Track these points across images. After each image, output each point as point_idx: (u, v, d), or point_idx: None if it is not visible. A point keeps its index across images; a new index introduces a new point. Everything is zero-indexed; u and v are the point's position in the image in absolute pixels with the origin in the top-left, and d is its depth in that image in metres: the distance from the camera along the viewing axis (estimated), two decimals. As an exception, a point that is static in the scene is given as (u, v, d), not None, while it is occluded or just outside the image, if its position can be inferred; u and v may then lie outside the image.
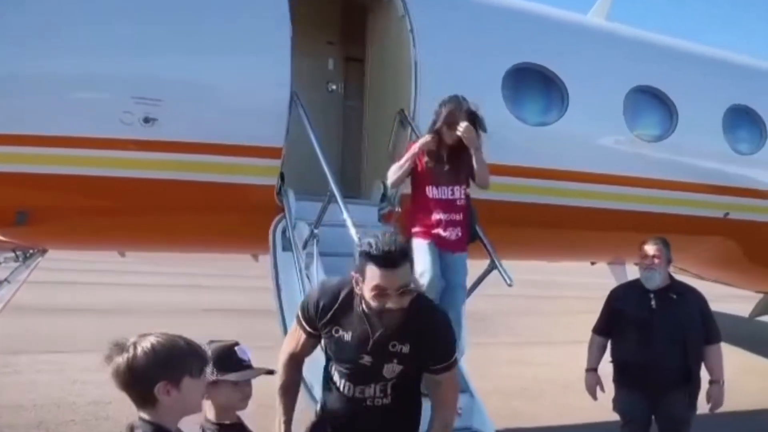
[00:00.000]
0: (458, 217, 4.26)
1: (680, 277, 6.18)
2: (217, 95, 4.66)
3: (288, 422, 2.71)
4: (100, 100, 4.27)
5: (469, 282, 4.57)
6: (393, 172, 4.44)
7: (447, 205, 4.24)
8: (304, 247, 4.36)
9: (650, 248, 4.63)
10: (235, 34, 4.74)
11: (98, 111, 4.24)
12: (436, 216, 4.21)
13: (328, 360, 2.74)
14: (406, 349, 2.55)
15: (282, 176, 4.86)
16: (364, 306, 2.52)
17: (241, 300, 12.10)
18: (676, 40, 7.61)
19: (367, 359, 2.56)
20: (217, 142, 4.59)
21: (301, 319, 2.69)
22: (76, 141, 4.19)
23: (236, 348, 2.39)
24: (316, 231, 4.30)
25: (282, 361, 2.76)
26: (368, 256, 2.42)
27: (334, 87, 6.24)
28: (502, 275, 4.32)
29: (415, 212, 4.36)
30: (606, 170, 6.18)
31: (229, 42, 4.71)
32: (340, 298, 2.59)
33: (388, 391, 2.62)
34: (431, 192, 4.26)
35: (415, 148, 4.38)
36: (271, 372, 2.56)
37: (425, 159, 4.35)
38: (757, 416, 7.38)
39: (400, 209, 5.29)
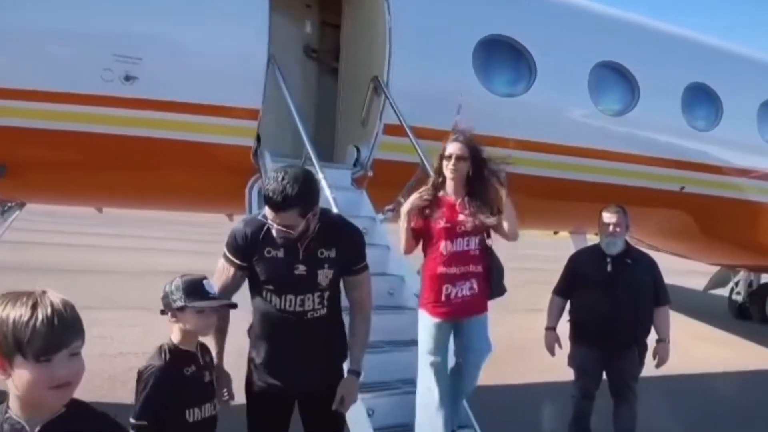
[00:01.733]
0: (474, 268, 3.72)
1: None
2: (196, 56, 4.74)
3: (220, 353, 2.93)
4: (81, 57, 4.32)
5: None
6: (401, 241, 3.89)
7: (459, 257, 3.69)
8: (281, 206, 4.50)
9: (611, 216, 4.90)
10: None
11: (79, 67, 4.30)
12: (446, 270, 3.67)
13: (261, 292, 2.89)
14: (332, 254, 2.86)
15: (258, 137, 4.98)
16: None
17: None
18: (641, 17, 7.83)
19: (302, 269, 2.82)
20: (195, 102, 4.69)
21: (229, 254, 2.88)
22: (56, 96, 4.25)
23: (204, 281, 2.69)
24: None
25: None
26: (264, 198, 2.76)
27: (314, 51, 6.30)
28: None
29: (423, 274, 3.83)
30: (570, 142, 6.43)
31: (209, 3, 4.78)
32: (266, 225, 2.84)
33: (325, 302, 2.87)
34: (443, 248, 3.69)
35: (404, 209, 3.82)
36: (233, 306, 2.82)
37: (427, 212, 3.79)
38: (707, 378, 7.84)
39: (372, 173, 5.47)
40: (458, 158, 3.69)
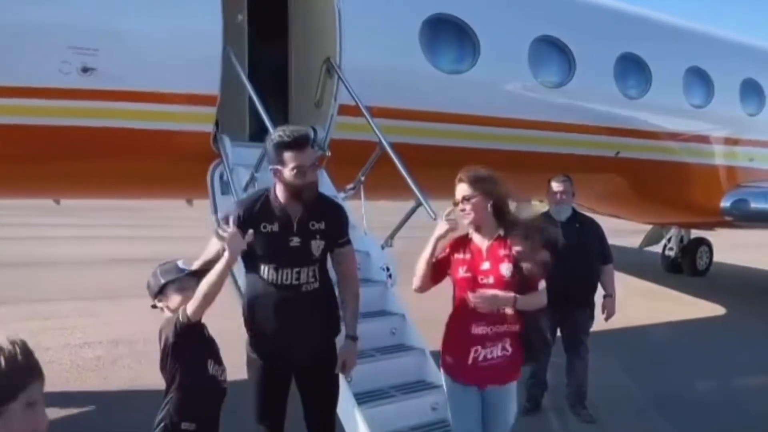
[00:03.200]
0: (509, 327, 3.19)
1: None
2: (151, 44, 4.76)
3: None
4: (38, 51, 4.30)
5: (395, 221, 5.01)
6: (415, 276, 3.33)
7: (492, 314, 3.14)
8: (245, 190, 4.63)
9: (558, 185, 5.26)
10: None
11: (37, 61, 4.29)
12: (476, 328, 3.15)
13: (258, 268, 3.04)
14: (322, 225, 3.09)
15: (217, 123, 5.06)
16: (281, 199, 3.03)
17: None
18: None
19: (296, 240, 3.03)
20: (153, 91, 4.73)
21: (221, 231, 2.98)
22: (14, 91, 4.24)
23: (177, 262, 2.97)
24: (257, 174, 4.59)
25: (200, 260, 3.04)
26: (282, 146, 2.98)
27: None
28: (427, 211, 4.74)
29: (448, 325, 3.33)
30: (513, 115, 6.74)
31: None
32: (259, 203, 3.07)
33: (317, 275, 3.08)
34: (470, 301, 3.12)
35: (436, 233, 3.23)
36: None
37: (456, 255, 3.27)
38: (645, 329, 8.42)
39: (329, 154, 5.62)
40: (465, 199, 3.22)
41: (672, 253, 13.29)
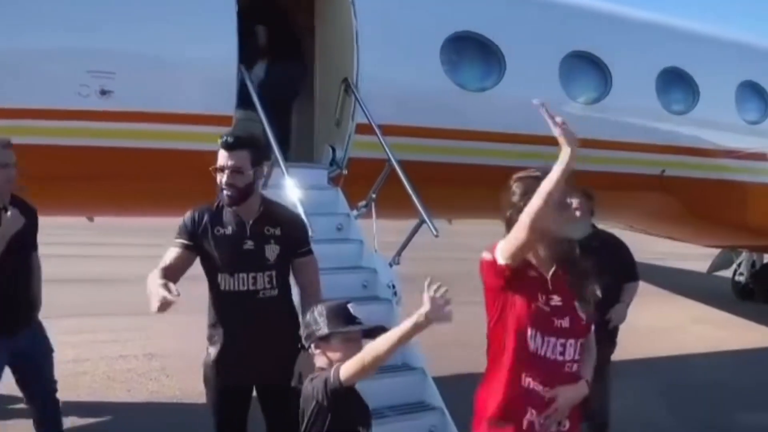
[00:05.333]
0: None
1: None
2: (168, 66, 4.98)
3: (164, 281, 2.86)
4: (58, 75, 4.57)
5: (399, 240, 4.97)
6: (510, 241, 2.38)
7: (551, 369, 2.40)
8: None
9: (573, 201, 5.06)
10: (184, 6, 5.05)
11: (57, 85, 4.56)
12: (531, 383, 2.38)
13: (214, 275, 3.05)
14: (278, 231, 3.11)
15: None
16: (225, 205, 3.09)
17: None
18: (611, 4, 7.90)
19: (249, 244, 3.06)
20: (170, 111, 4.93)
21: (177, 238, 3.12)
22: (38, 113, 4.52)
23: (349, 306, 2.52)
24: (263, 192, 4.68)
25: (154, 271, 2.96)
26: (221, 145, 3.05)
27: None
28: (429, 227, 4.70)
29: (490, 380, 2.49)
30: (540, 132, 6.57)
31: (179, 13, 5.01)
32: (214, 209, 3.14)
33: (275, 282, 3.07)
34: (532, 341, 2.38)
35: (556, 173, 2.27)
36: (383, 329, 2.43)
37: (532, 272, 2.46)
38: (702, 357, 7.96)
39: (347, 172, 5.67)
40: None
41: (742, 279, 12.56)
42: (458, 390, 5.00)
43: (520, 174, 2.53)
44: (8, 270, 3.47)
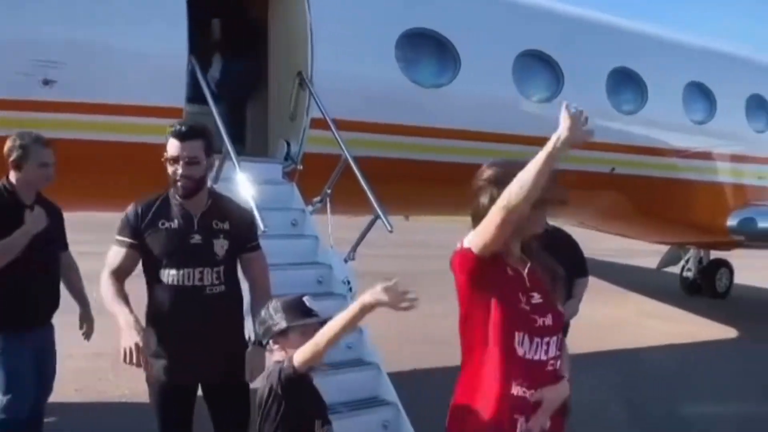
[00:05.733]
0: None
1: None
2: (115, 56, 4.82)
3: (136, 318, 2.84)
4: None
5: (354, 236, 4.93)
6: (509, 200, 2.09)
7: (536, 371, 2.25)
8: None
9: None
10: (133, -3, 4.92)
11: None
12: (519, 390, 2.21)
13: (157, 270, 2.93)
14: (226, 226, 3.01)
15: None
16: (179, 196, 2.96)
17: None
18: (564, 5, 8.02)
19: (197, 238, 2.94)
20: (116, 103, 4.79)
21: (119, 236, 2.99)
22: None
23: (304, 298, 2.51)
24: (215, 186, 4.59)
25: (104, 279, 2.94)
26: (170, 133, 2.92)
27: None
28: (384, 223, 4.69)
29: (474, 389, 2.29)
30: (496, 129, 6.64)
31: (128, 2, 4.87)
32: (158, 202, 3.01)
33: (222, 277, 2.98)
34: (519, 345, 2.22)
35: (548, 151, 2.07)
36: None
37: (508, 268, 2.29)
38: (652, 351, 8.16)
39: (301, 167, 5.62)
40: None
41: (690, 274, 12.93)
42: (413, 385, 5.05)
43: (493, 162, 2.35)
44: (30, 267, 3.40)
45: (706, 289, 12.48)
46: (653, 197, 8.37)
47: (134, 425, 3.47)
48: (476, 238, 2.19)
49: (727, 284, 12.80)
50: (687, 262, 12.99)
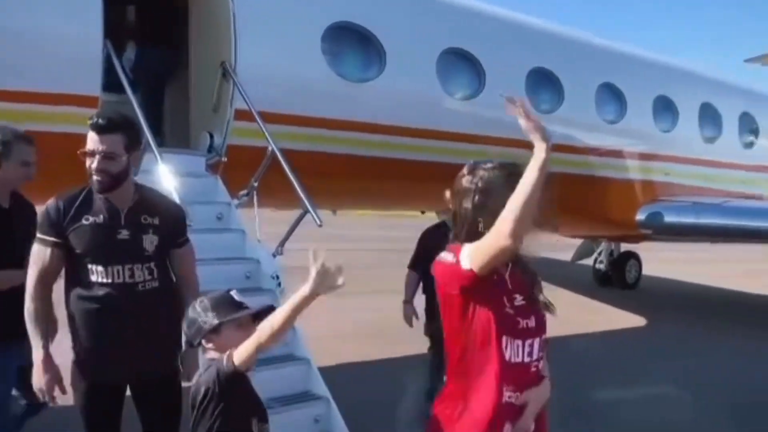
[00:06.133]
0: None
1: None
2: (24, 40, 4.53)
3: (48, 353, 2.75)
4: None
5: (282, 231, 4.87)
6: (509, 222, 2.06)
7: (521, 374, 2.25)
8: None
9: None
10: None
11: None
12: (508, 396, 2.20)
13: (83, 268, 2.79)
14: (156, 221, 2.89)
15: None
16: (96, 191, 2.81)
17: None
18: (487, 5, 8.20)
19: (125, 233, 2.81)
20: (26, 90, 4.50)
21: (41, 234, 2.80)
22: None
23: (231, 292, 2.46)
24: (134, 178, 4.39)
25: (30, 287, 2.79)
26: (89, 125, 2.76)
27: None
28: (313, 217, 4.64)
29: (464, 398, 2.26)
30: (421, 125, 6.70)
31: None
32: (81, 196, 2.84)
33: (155, 273, 2.87)
34: (507, 350, 2.22)
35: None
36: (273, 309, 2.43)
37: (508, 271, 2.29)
38: (567, 340, 8.45)
39: (226, 159, 5.47)
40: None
41: (602, 266, 13.57)
42: (343, 380, 5.01)
43: (476, 165, 2.33)
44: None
45: (617, 281, 13.12)
46: (568, 193, 8.67)
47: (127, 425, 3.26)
48: (479, 260, 2.15)
49: (637, 275, 13.51)
50: (599, 254, 13.64)
